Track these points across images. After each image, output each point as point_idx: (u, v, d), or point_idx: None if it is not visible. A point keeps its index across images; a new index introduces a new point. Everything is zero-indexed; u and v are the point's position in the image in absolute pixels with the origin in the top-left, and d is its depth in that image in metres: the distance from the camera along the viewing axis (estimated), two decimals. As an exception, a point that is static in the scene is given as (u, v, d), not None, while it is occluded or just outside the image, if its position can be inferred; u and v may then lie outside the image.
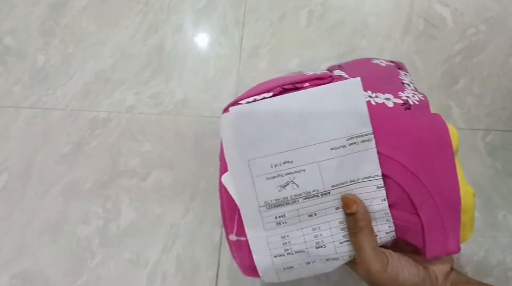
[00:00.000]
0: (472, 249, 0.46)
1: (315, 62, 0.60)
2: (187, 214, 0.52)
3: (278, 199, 0.36)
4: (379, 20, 0.63)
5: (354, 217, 0.35)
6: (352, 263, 0.37)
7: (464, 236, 0.36)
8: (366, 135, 0.36)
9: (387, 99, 0.37)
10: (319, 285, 0.49)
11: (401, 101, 0.37)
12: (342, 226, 0.37)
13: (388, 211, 0.36)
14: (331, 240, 0.37)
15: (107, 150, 0.55)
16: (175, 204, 0.52)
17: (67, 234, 0.51)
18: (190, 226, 0.51)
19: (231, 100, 0.58)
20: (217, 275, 0.49)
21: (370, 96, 0.37)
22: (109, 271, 0.49)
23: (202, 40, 0.63)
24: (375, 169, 0.36)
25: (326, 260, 0.37)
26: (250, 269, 0.38)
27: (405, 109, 0.37)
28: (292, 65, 0.60)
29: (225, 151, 0.39)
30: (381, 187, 0.36)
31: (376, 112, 0.36)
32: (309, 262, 0.38)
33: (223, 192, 0.39)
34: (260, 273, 0.38)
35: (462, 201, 0.35)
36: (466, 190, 0.36)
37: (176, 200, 0.52)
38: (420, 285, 0.35)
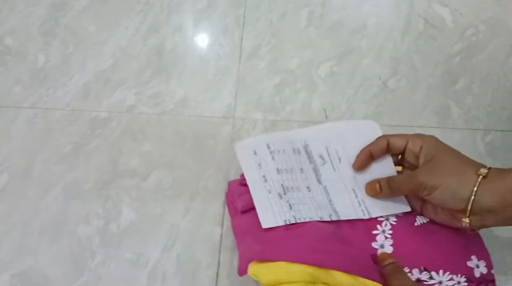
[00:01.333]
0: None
1: (315, 62, 0.60)
2: (187, 214, 0.52)
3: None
4: (379, 20, 0.63)
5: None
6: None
7: None
8: None
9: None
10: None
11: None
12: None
13: None
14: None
15: (107, 150, 0.55)
16: (175, 204, 0.52)
17: (68, 234, 0.51)
18: (190, 226, 0.51)
19: (231, 100, 0.59)
20: (217, 275, 0.49)
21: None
22: (110, 271, 0.49)
23: (202, 40, 0.63)
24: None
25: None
26: None
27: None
28: (292, 65, 0.60)
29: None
30: None
31: None
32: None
33: None
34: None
35: None
36: None
37: (176, 200, 0.52)
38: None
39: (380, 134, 0.47)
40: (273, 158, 0.46)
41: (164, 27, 0.63)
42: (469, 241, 0.44)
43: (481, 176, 0.38)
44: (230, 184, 0.51)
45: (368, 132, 0.46)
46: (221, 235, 0.50)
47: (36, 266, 0.49)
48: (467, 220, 0.39)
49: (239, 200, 0.47)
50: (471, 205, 0.38)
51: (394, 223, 0.44)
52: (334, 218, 0.44)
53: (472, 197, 0.38)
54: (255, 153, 0.46)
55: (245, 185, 0.47)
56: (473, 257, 0.42)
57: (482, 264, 0.42)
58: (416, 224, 0.44)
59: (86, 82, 0.59)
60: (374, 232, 0.44)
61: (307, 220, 0.43)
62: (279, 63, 0.60)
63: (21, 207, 0.52)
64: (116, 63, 0.61)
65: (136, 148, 0.55)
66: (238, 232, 0.47)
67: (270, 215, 0.43)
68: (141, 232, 0.51)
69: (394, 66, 0.60)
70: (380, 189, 0.43)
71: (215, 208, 0.52)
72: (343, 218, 0.44)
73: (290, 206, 0.44)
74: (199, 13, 0.64)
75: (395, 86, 0.59)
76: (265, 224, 0.43)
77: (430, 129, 0.56)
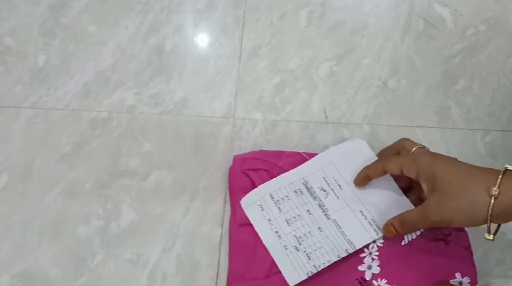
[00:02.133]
0: (472, 249, 0.46)
1: (315, 62, 0.60)
2: (187, 214, 0.52)
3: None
4: (379, 20, 0.63)
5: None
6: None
7: None
8: None
9: None
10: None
11: None
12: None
13: None
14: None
15: (107, 150, 0.55)
16: (175, 204, 0.52)
17: (68, 234, 0.51)
18: (190, 226, 0.51)
19: (231, 100, 0.59)
20: (217, 275, 0.49)
21: None
22: (110, 271, 0.49)
23: (202, 40, 0.63)
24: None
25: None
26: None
27: None
28: (292, 65, 0.60)
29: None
30: None
31: None
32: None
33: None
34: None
35: None
36: None
37: (176, 200, 0.52)
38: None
39: (368, 149, 0.49)
40: (279, 209, 0.48)
41: (164, 27, 0.63)
42: (456, 256, 0.45)
43: (493, 198, 0.37)
44: (236, 159, 0.52)
45: (358, 151, 0.49)
46: (221, 235, 0.50)
47: (36, 266, 0.49)
48: (490, 237, 0.40)
49: (238, 213, 0.49)
50: (490, 223, 0.38)
51: (381, 245, 0.45)
52: (350, 251, 0.45)
53: (489, 217, 0.38)
54: (262, 209, 0.48)
55: (248, 175, 0.50)
56: (457, 274, 0.43)
57: (466, 280, 0.43)
58: (403, 243, 0.45)
59: (86, 82, 0.59)
60: (361, 255, 0.45)
61: (327, 264, 0.44)
62: (279, 63, 0.60)
63: (21, 207, 0.52)
64: (116, 63, 0.61)
65: (136, 148, 0.55)
66: (233, 244, 0.49)
67: (293, 271, 0.45)
68: (141, 232, 0.51)
69: (394, 66, 0.60)
70: (396, 231, 0.44)
71: (215, 208, 0.52)
72: (358, 247, 0.45)
73: (308, 256, 0.45)
74: (199, 13, 0.64)
75: (395, 86, 0.59)
76: (292, 283, 0.44)
77: (430, 129, 0.56)
